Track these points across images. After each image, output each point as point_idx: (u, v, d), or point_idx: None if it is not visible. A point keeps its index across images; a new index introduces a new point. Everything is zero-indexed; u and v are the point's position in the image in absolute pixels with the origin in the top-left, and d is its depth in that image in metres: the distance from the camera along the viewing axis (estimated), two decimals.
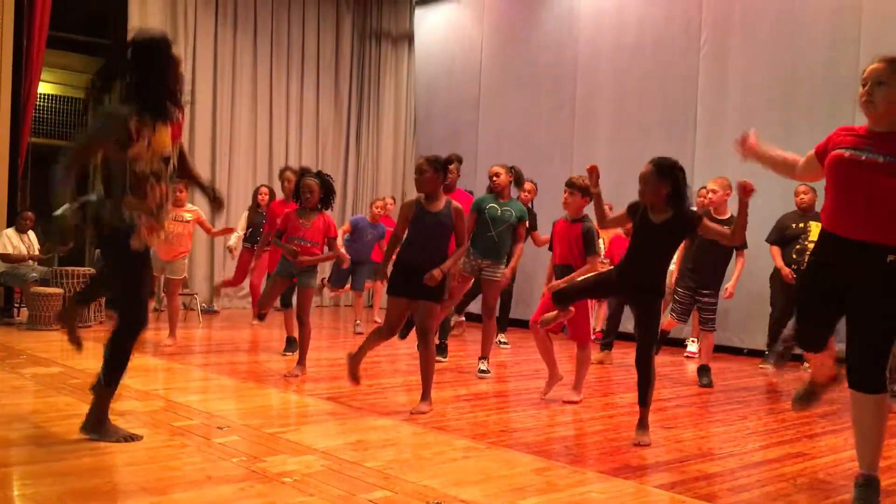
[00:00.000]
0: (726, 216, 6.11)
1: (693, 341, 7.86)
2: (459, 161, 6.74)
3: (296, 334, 6.29)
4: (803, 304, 3.37)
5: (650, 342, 4.22)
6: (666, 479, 3.48)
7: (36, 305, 7.89)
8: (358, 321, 8.74)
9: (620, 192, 6.72)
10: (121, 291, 3.80)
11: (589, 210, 4.90)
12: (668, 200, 4.09)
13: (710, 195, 6.22)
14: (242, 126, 11.37)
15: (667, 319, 6.45)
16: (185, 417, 4.30)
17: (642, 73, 9.08)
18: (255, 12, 11.49)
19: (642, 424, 4.20)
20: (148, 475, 3.25)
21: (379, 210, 8.86)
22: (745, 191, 3.99)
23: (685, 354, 7.87)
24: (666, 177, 4.08)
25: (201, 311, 9.82)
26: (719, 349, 7.98)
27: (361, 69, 12.75)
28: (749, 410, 5.24)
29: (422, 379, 4.76)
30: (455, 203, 4.78)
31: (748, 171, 8.54)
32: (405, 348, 7.19)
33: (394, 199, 10.09)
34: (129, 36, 3.79)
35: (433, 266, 4.60)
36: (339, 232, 7.62)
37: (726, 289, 6.27)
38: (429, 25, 11.94)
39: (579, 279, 4.59)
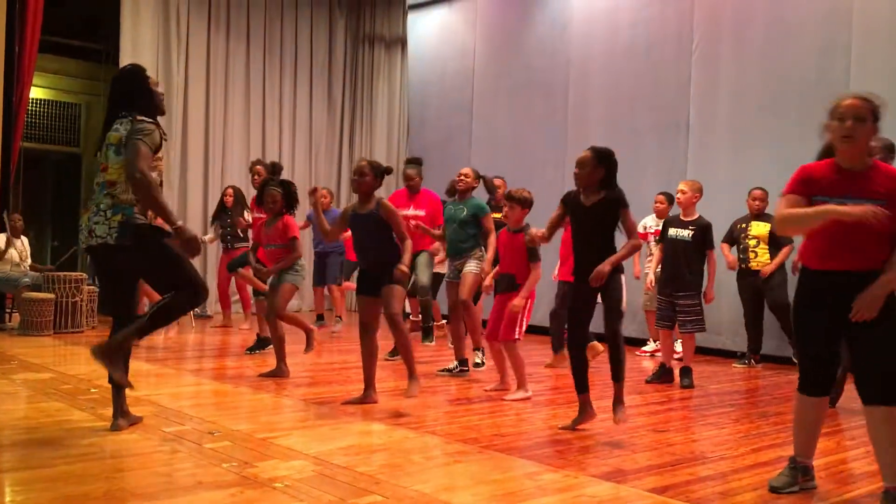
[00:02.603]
0: (694, 217, 6.26)
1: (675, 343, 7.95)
2: (420, 163, 7.35)
3: (268, 333, 6.48)
4: (811, 345, 3.41)
5: (617, 318, 4.38)
6: (657, 482, 3.49)
7: (28, 311, 7.86)
8: (338, 316, 8.91)
9: None
10: (177, 274, 3.90)
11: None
12: (600, 184, 4.37)
13: (678, 196, 6.34)
14: (235, 130, 11.35)
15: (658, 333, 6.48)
16: (176, 423, 4.29)
17: (635, 78, 9.11)
18: (248, 17, 11.48)
19: (618, 400, 4.39)
20: (140, 481, 3.24)
21: (325, 199, 8.93)
22: None
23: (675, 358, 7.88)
24: (602, 163, 4.35)
25: (194, 315, 9.80)
26: (712, 352, 8.01)
27: (354, 73, 12.75)
28: (741, 414, 5.25)
29: (404, 362, 4.97)
30: (383, 201, 4.98)
31: (739, 173, 8.63)
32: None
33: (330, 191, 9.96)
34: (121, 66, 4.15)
35: (381, 265, 4.85)
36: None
37: (705, 293, 6.27)
38: (421, 30, 11.96)
39: (570, 326, 4.67)
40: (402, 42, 12.55)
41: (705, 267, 6.32)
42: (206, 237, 9.22)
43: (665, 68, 8.83)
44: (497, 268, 5.71)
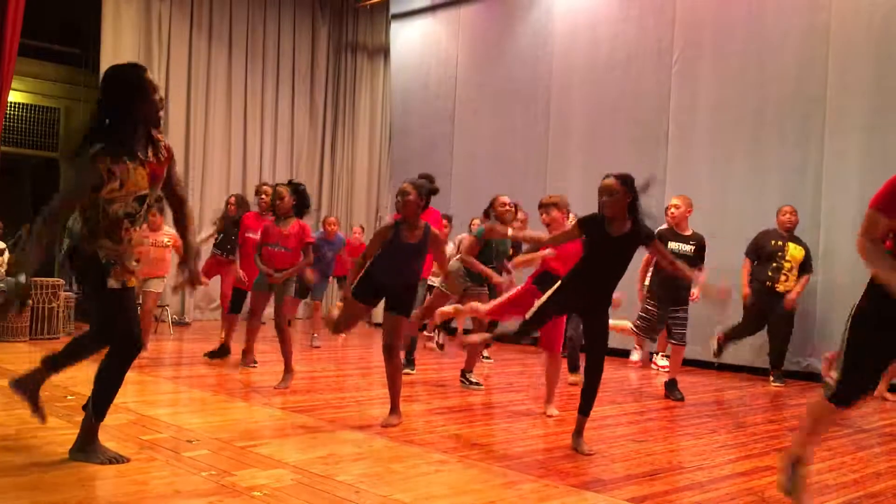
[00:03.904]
0: (688, 232, 6.27)
1: (663, 356, 7.93)
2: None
3: (229, 343, 6.34)
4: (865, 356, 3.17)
5: (602, 352, 4.34)
6: (636, 492, 3.51)
7: (3, 317, 7.77)
8: (315, 334, 8.79)
9: (592, 207, 6.75)
10: (106, 317, 3.59)
11: None
12: (629, 212, 4.18)
13: (672, 210, 6.33)
14: (216, 137, 11.31)
15: (624, 327, 6.40)
16: (153, 431, 4.25)
17: (615, 90, 9.18)
18: (231, 23, 11.46)
19: (579, 433, 4.31)
20: (116, 489, 3.21)
21: (332, 227, 8.86)
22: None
23: (655, 369, 7.93)
24: (630, 190, 4.17)
25: (172, 322, 9.73)
26: (690, 363, 8.06)
27: (337, 81, 12.76)
28: (719, 424, 5.29)
29: (389, 393, 4.78)
30: (432, 231, 4.72)
31: (718, 187, 8.70)
32: (377, 361, 7.18)
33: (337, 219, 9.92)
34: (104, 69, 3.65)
35: (407, 288, 4.69)
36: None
37: (692, 294, 6.28)
38: (404, 39, 11.98)
39: (537, 304, 4.51)
40: (385, 51, 12.58)
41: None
42: (201, 236, 9.12)
43: (645, 81, 8.90)
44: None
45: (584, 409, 4.31)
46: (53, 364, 3.74)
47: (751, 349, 7.73)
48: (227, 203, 8.61)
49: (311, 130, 12.46)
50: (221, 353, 7.10)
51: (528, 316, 4.50)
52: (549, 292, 4.45)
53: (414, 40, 11.82)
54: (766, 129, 7.91)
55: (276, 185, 6.29)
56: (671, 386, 6.19)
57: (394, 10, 12.10)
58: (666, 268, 4.36)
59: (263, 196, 7.28)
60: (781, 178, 7.77)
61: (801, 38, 7.77)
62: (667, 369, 6.82)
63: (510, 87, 10.30)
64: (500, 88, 10.44)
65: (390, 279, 4.68)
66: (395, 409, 4.77)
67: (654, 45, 8.88)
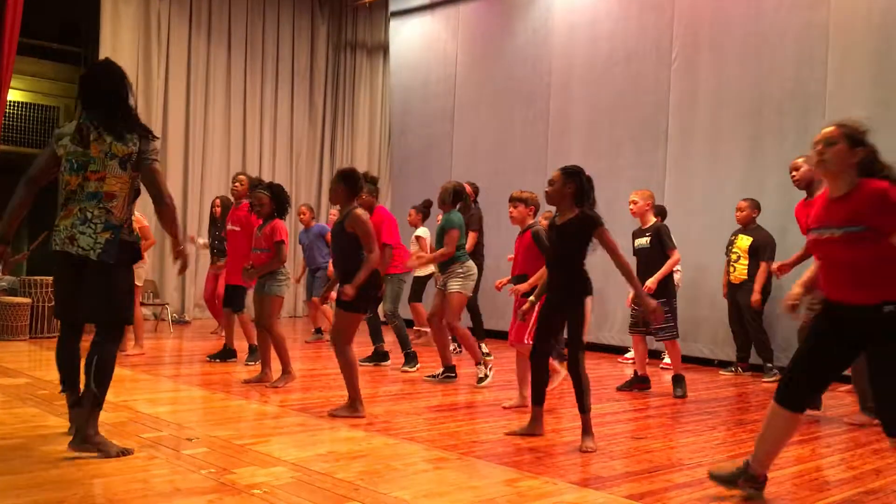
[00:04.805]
0: (647, 225, 6.32)
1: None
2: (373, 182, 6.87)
3: (257, 342, 6.32)
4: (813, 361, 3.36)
5: (578, 348, 4.35)
6: (635, 489, 3.51)
7: (3, 315, 7.78)
8: (321, 329, 8.80)
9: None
10: (126, 302, 3.84)
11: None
12: (573, 201, 4.36)
13: (630, 206, 6.39)
14: (216, 136, 11.31)
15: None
16: (153, 429, 4.26)
17: (614, 87, 9.18)
18: (230, 22, 11.45)
19: (586, 430, 4.31)
20: (116, 487, 3.21)
21: (302, 216, 8.90)
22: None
23: (660, 366, 7.94)
24: (571, 178, 4.35)
25: (172, 321, 9.74)
26: (689, 360, 8.06)
27: (336, 80, 12.76)
28: (718, 421, 5.29)
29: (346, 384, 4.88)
30: (355, 210, 4.81)
31: (717, 184, 8.70)
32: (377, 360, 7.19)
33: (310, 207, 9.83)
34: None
35: (344, 279, 4.81)
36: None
37: (647, 286, 6.07)
38: (404, 37, 11.98)
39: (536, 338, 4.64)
40: (385, 49, 12.58)
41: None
42: (201, 241, 9.11)
43: (644, 78, 8.90)
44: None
45: (580, 407, 4.33)
46: (96, 399, 3.66)
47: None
48: (213, 205, 8.67)
49: (311, 129, 12.46)
50: (225, 354, 7.06)
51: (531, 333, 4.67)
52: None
53: (413, 38, 11.81)
54: (765, 127, 7.91)
55: (253, 186, 6.34)
56: (677, 382, 6.19)
57: (393, 8, 12.10)
58: (611, 255, 4.36)
59: (237, 185, 7.12)
60: (780, 176, 7.74)
61: (799, 34, 7.77)
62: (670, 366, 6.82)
63: (510, 84, 10.30)
64: (499, 86, 10.44)
65: (336, 270, 5.01)
66: (350, 399, 4.85)
67: (653, 42, 8.88)
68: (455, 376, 6.40)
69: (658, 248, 6.18)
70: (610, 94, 9.22)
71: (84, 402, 3.66)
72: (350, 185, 4.88)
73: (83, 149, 3.73)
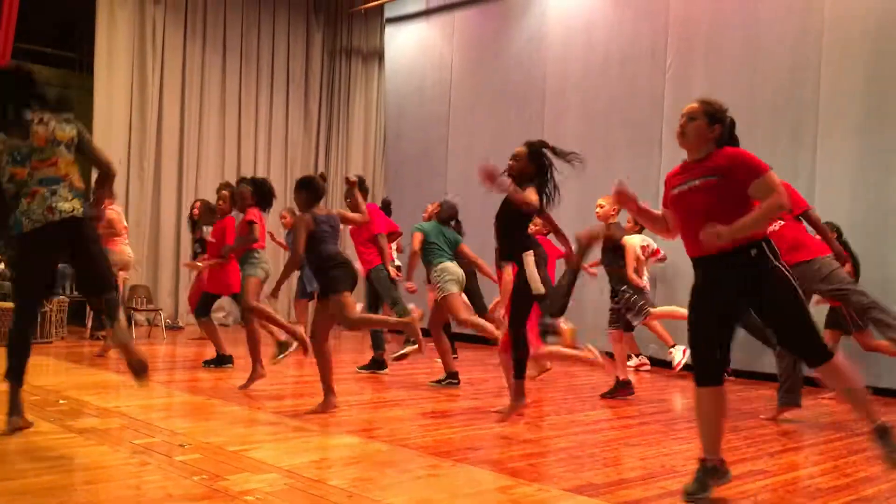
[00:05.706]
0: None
1: (635, 356, 8.14)
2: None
3: (281, 337, 6.36)
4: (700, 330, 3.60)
5: (512, 324, 4.72)
6: (629, 496, 3.50)
7: None
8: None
9: (587, 210, 6.82)
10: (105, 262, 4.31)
11: None
12: (532, 181, 4.72)
13: (596, 210, 6.51)
14: (210, 142, 11.31)
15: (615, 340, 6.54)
16: (146, 435, 4.24)
17: (609, 94, 9.20)
18: (225, 28, 11.46)
19: (518, 395, 4.77)
20: (107, 494, 3.20)
21: (283, 220, 9.30)
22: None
23: (633, 369, 7.94)
24: (534, 156, 4.79)
25: (166, 326, 9.71)
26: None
27: (331, 86, 12.76)
28: None
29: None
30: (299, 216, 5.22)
31: None
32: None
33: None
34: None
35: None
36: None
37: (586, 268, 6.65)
38: (399, 43, 11.99)
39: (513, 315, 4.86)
40: (380, 56, 12.59)
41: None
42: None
43: (639, 84, 8.92)
44: None
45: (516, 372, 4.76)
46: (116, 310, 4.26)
47: (743, 352, 7.72)
48: (192, 207, 8.68)
49: (306, 135, 12.46)
50: (219, 361, 7.03)
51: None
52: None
53: (408, 45, 11.83)
54: (760, 132, 7.91)
55: (240, 183, 6.52)
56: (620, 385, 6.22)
57: (388, 14, 12.11)
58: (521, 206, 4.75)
59: (220, 202, 7.04)
60: None
61: (794, 41, 7.80)
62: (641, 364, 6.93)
63: (505, 90, 10.32)
64: (494, 92, 10.46)
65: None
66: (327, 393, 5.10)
67: (647, 48, 8.91)
68: (458, 382, 6.40)
69: (614, 252, 6.49)
70: (605, 99, 9.24)
71: (112, 314, 4.24)
72: (310, 191, 5.21)
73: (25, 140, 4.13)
